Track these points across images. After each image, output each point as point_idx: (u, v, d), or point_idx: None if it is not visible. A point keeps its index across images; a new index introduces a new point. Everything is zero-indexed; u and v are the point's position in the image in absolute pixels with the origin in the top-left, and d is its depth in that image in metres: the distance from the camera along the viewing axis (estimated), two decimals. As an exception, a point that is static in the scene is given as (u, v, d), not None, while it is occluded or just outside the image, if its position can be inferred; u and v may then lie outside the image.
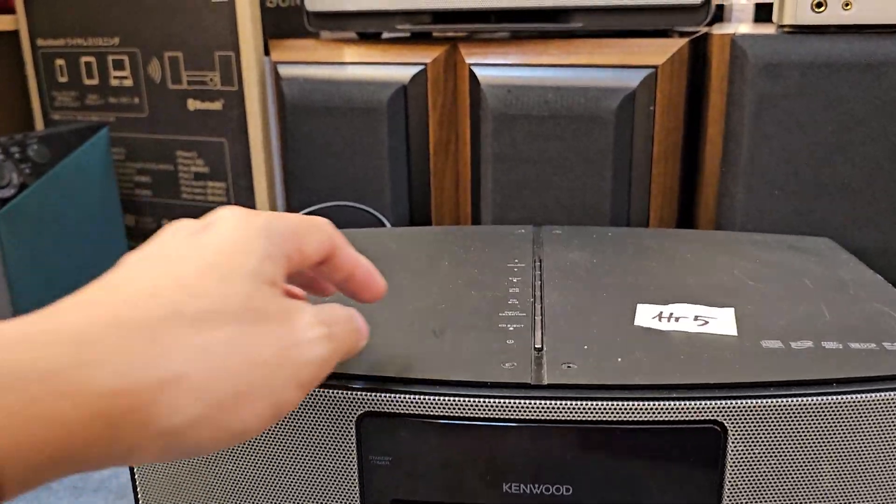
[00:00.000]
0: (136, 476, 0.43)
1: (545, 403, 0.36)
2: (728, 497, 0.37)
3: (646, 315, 0.43)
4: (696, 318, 0.43)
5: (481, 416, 0.36)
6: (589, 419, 0.36)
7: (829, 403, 0.36)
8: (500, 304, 0.45)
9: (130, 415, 0.23)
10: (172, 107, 0.95)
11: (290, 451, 0.39)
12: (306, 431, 0.38)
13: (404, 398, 0.37)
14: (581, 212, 0.75)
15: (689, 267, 0.51)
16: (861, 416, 0.36)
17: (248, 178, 0.93)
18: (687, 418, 0.36)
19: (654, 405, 0.36)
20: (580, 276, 0.49)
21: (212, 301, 0.26)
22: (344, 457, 0.38)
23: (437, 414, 0.37)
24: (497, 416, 0.36)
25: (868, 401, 0.36)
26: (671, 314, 0.43)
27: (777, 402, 0.36)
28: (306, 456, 0.39)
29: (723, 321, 0.42)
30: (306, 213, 0.79)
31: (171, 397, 0.24)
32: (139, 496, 0.43)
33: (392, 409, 0.37)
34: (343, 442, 0.38)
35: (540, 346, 0.40)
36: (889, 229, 0.68)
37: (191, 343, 0.24)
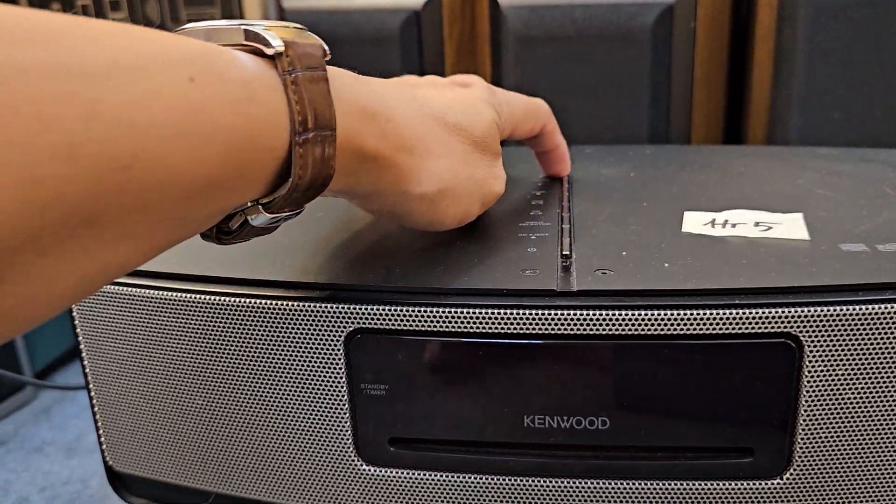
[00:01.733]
0: (97, 417, 0.37)
1: (575, 314, 0.29)
2: (802, 434, 0.30)
3: (695, 222, 0.36)
4: (756, 224, 0.35)
5: (496, 331, 0.30)
6: (629, 333, 0.29)
7: (934, 311, 0.28)
8: (520, 215, 0.38)
9: (392, 169, 0.29)
10: (173, 49, 0.89)
11: (273, 381, 0.32)
12: (288, 358, 0.32)
13: (401, 311, 0.30)
14: (615, 143, 0.67)
15: (743, 178, 0.44)
16: (975, 326, 0.28)
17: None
18: (752, 331, 0.29)
19: (710, 315, 0.28)
20: (616, 189, 0.42)
21: (467, 123, 0.33)
22: (332, 387, 0.32)
23: (441, 330, 0.30)
24: (515, 332, 0.29)
25: (983, 308, 0.28)
26: (726, 220, 0.36)
27: (866, 309, 0.28)
28: (288, 385, 0.32)
29: (791, 226, 0.35)
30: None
31: (420, 168, 0.30)
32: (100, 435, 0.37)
33: (387, 324, 0.30)
34: (330, 368, 0.31)
35: (568, 252, 0.33)
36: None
37: (443, 139, 0.32)
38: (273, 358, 0.32)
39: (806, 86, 0.63)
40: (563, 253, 0.32)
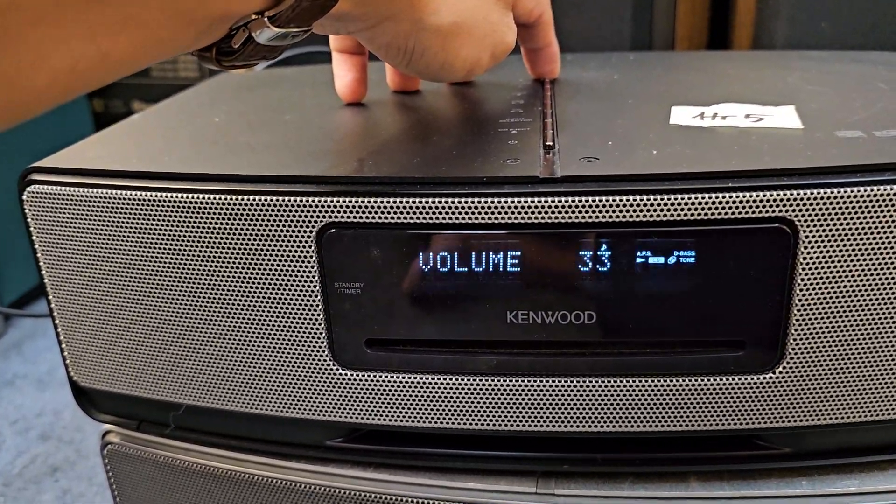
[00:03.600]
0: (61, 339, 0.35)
1: (560, 201, 0.27)
2: (796, 327, 0.28)
3: (683, 115, 0.34)
4: (747, 116, 0.34)
5: (475, 222, 0.28)
6: (615, 220, 0.27)
7: (934, 193, 0.27)
8: (500, 114, 0.36)
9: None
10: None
11: (242, 283, 0.31)
12: (257, 257, 0.30)
13: (375, 202, 0.28)
14: (597, 47, 0.65)
15: (731, 78, 0.42)
16: (977, 207, 0.27)
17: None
18: (745, 216, 0.27)
19: (701, 199, 0.27)
20: (599, 90, 0.40)
21: None
22: (304, 286, 0.30)
23: (418, 222, 0.28)
24: (496, 222, 0.28)
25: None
26: (715, 113, 0.34)
27: (864, 191, 0.27)
28: (258, 287, 0.30)
29: (782, 116, 0.33)
30: (283, 58, 0.69)
31: (439, 3, 0.29)
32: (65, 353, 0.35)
33: (361, 217, 0.28)
34: (302, 266, 0.30)
35: (551, 143, 0.31)
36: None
37: None
38: (241, 258, 0.30)
39: (793, -4, 0.61)
40: (546, 144, 0.31)
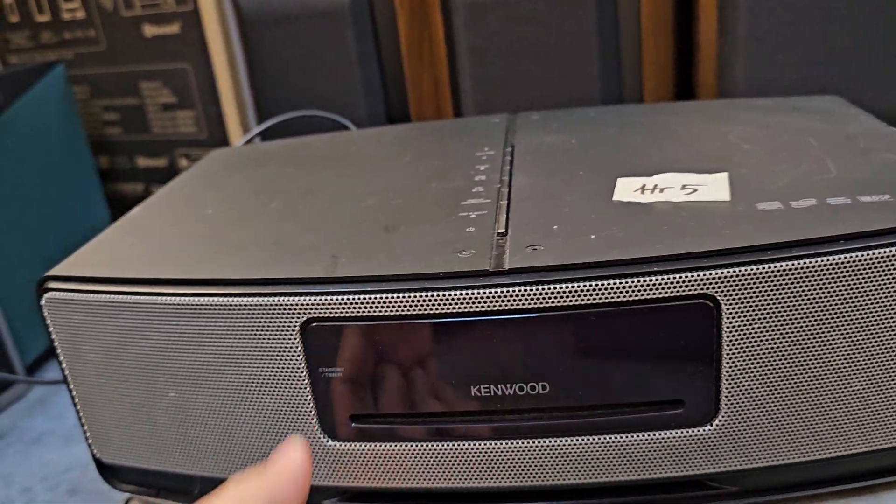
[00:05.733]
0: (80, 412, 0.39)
1: (507, 291, 0.31)
2: (727, 384, 0.32)
3: (626, 189, 0.38)
4: (683, 188, 0.37)
5: (437, 312, 0.32)
6: (559, 305, 0.31)
7: (839, 263, 0.31)
8: (462, 193, 0.40)
9: None
10: (129, 35, 0.89)
11: (238, 370, 0.35)
12: (250, 348, 0.34)
13: (349, 299, 0.32)
14: (569, 101, 0.69)
15: (679, 138, 0.46)
16: (878, 274, 0.31)
17: (218, 104, 0.88)
18: (672, 294, 0.31)
19: (631, 282, 0.31)
20: (555, 159, 0.44)
21: None
22: (292, 371, 0.34)
23: (387, 314, 0.32)
24: (456, 311, 0.32)
25: (886, 256, 0.31)
26: (655, 185, 0.38)
27: (776, 266, 0.31)
28: (254, 374, 0.34)
29: (714, 187, 0.37)
30: (271, 125, 0.73)
31: None
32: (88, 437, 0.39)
33: (337, 312, 0.32)
34: (289, 354, 0.34)
35: (503, 230, 0.35)
36: (905, 88, 0.61)
37: None
38: (236, 349, 0.34)
39: (750, 31, 0.64)
40: (499, 231, 0.35)
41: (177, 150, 0.93)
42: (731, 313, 0.31)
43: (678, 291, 0.31)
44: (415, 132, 0.56)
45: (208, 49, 0.85)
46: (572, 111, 0.55)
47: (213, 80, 0.86)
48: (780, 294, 0.31)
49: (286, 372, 0.34)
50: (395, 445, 0.35)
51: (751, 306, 0.31)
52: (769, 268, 0.31)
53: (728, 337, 0.31)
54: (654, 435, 0.33)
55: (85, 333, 0.37)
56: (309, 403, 0.34)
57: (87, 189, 0.92)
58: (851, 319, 0.31)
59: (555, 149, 0.46)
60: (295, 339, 0.33)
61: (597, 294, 0.31)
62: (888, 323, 0.31)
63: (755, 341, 0.32)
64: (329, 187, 0.43)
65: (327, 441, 0.35)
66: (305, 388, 0.34)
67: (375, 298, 0.32)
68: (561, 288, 0.31)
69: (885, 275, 0.31)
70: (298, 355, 0.34)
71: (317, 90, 0.77)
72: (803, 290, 0.31)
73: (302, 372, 0.34)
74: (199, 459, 0.37)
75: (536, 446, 0.34)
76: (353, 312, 0.32)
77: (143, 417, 0.37)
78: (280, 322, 0.33)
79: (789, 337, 0.31)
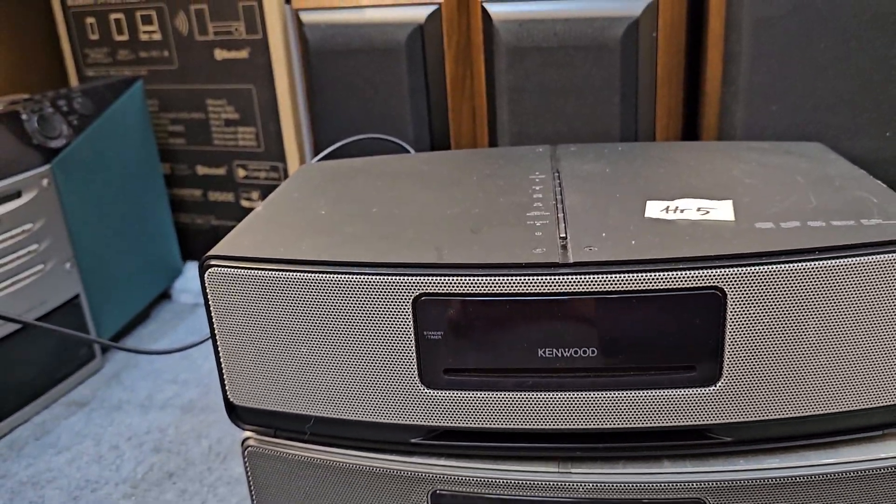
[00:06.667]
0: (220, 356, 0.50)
1: (572, 278, 0.43)
2: (729, 353, 0.43)
3: (654, 209, 0.50)
4: (698, 209, 0.49)
5: (518, 292, 0.43)
6: (609, 290, 0.43)
7: (815, 268, 0.42)
8: (526, 206, 0.52)
9: None
10: (200, 57, 1.00)
11: (363, 332, 0.46)
12: (373, 315, 0.45)
13: (453, 280, 0.43)
14: (592, 135, 0.81)
15: (692, 171, 0.58)
16: (842, 276, 0.42)
17: (277, 122, 0.99)
18: (691, 286, 0.42)
19: (663, 275, 0.42)
20: (595, 183, 0.56)
21: None
22: (403, 333, 0.45)
23: (480, 292, 0.43)
24: (532, 292, 0.43)
25: (846, 265, 0.42)
26: (676, 207, 0.50)
27: (769, 268, 0.42)
28: (373, 334, 0.45)
29: (722, 210, 0.49)
30: (332, 150, 0.85)
31: None
32: (224, 375, 0.50)
33: (443, 289, 0.44)
34: (402, 320, 0.45)
35: (564, 235, 0.46)
36: (879, 137, 0.73)
37: None
38: (361, 316, 0.45)
39: (749, 83, 0.77)
40: (561, 236, 0.46)
41: (234, 161, 1.05)
42: (734, 301, 0.43)
43: (695, 283, 0.42)
44: (474, 157, 0.68)
45: (273, 73, 0.96)
46: (604, 145, 0.66)
47: (275, 101, 0.98)
48: (771, 288, 0.42)
49: (399, 334, 0.45)
50: (478, 393, 0.46)
51: (749, 297, 0.42)
52: (763, 269, 0.42)
53: (731, 319, 0.43)
54: (672, 392, 0.45)
55: (235, 301, 0.47)
56: (413, 358, 0.45)
57: (155, 190, 1.03)
58: (822, 309, 0.43)
59: (594, 175, 0.58)
60: (408, 309, 0.44)
61: (636, 283, 0.42)
62: (850, 312, 0.43)
63: (751, 323, 0.43)
64: (416, 198, 0.55)
65: (424, 389, 0.46)
66: (412, 346, 0.45)
67: (473, 280, 0.43)
68: (610, 278, 0.42)
69: (848, 277, 0.42)
70: (409, 321, 0.45)
71: (369, 116, 0.89)
72: (788, 287, 0.42)
73: (410, 334, 0.45)
74: (320, 402, 0.48)
75: (583, 398, 0.45)
76: (454, 290, 0.44)
77: (275, 367, 0.48)
78: (398, 295, 0.44)
79: (777, 320, 0.43)
